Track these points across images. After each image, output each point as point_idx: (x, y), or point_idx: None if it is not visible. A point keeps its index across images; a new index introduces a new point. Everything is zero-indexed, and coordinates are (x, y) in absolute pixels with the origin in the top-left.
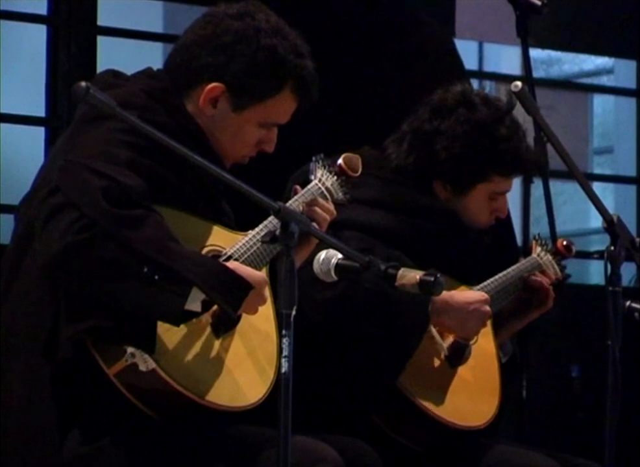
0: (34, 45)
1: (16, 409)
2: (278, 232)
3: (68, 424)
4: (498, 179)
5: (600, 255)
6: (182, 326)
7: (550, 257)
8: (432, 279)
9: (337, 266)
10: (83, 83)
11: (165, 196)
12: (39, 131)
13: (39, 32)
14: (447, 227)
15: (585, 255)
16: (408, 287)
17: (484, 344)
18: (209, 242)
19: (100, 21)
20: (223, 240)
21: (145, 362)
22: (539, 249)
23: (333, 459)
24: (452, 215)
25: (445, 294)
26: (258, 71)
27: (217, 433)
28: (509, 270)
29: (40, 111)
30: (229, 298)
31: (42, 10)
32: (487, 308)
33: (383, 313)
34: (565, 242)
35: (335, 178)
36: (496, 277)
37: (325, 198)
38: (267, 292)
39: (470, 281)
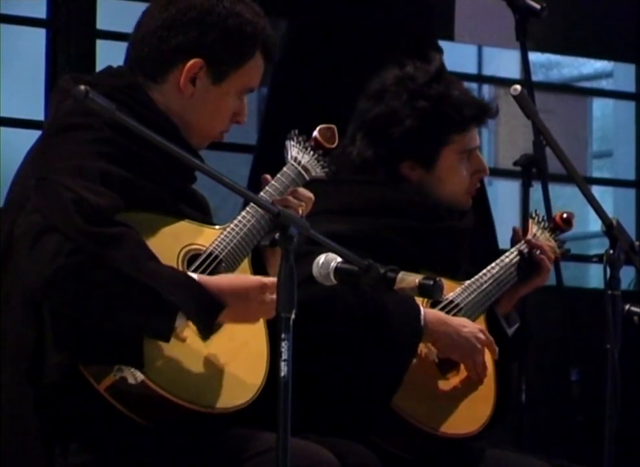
0: (33, 48)
1: (2, 426)
2: (277, 235)
3: (55, 441)
4: (457, 137)
5: (599, 258)
6: None
7: (548, 235)
8: (431, 282)
9: (337, 269)
10: (82, 87)
11: (141, 201)
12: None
13: (39, 36)
14: (423, 219)
15: (585, 258)
16: (407, 290)
17: None
18: (188, 241)
19: (100, 25)
20: (202, 238)
21: (134, 375)
22: (535, 228)
23: (330, 463)
24: (426, 205)
25: (441, 317)
26: (231, 38)
27: (212, 438)
28: (499, 261)
29: (39, 115)
30: (201, 319)
31: (41, 13)
32: (482, 336)
33: (374, 328)
34: (564, 215)
35: (312, 153)
36: (488, 269)
37: (303, 177)
38: (269, 295)
39: (456, 275)
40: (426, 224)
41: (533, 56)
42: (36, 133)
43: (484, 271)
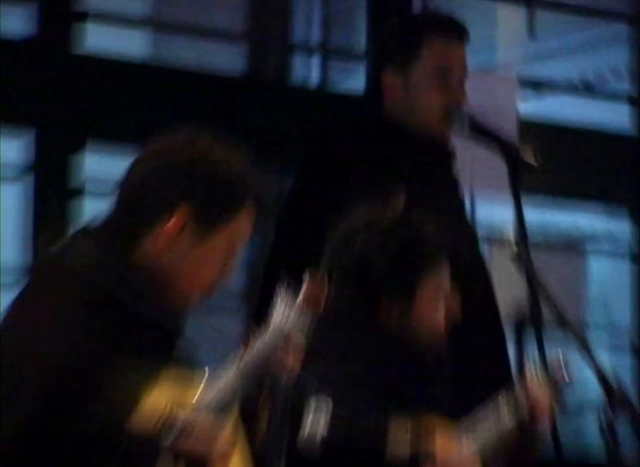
0: None
1: None
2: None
3: None
4: (431, 273)
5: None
6: None
7: (546, 387)
8: None
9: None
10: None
11: (124, 365)
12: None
13: None
14: (405, 360)
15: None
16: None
17: None
18: (173, 399)
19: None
20: (187, 394)
21: None
22: (532, 379)
23: None
24: (401, 349)
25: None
26: (221, 187)
27: None
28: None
29: None
30: None
31: None
32: None
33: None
34: (562, 367)
35: (297, 315)
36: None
37: (284, 339)
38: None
39: (442, 409)
40: (408, 369)
41: (528, 211)
42: None
43: (480, 417)
